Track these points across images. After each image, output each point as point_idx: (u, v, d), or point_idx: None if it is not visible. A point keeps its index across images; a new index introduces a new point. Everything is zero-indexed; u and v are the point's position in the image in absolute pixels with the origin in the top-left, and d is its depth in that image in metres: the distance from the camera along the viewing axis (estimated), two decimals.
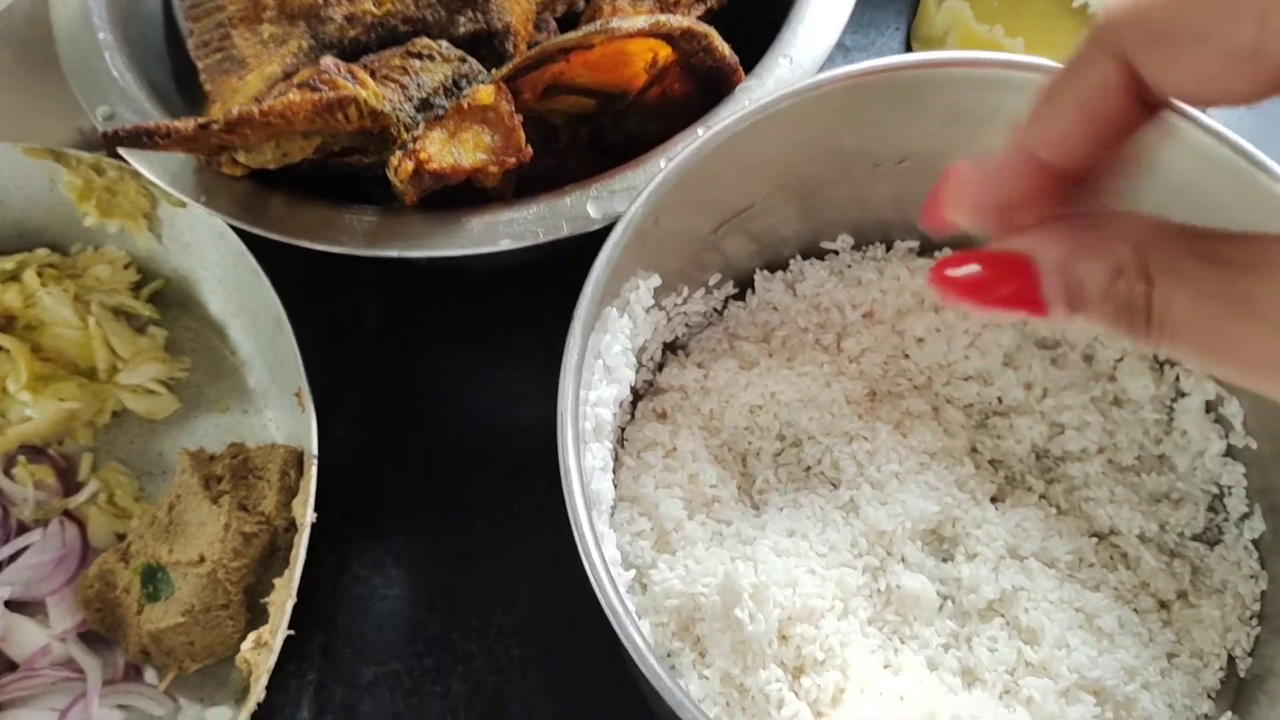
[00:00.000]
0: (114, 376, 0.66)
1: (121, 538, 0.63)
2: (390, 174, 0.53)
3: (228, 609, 0.57)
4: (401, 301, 0.72)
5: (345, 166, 0.57)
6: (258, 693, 0.51)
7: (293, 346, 0.58)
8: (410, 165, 0.52)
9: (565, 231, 0.54)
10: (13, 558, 0.62)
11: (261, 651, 0.52)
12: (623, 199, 0.55)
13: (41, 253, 0.68)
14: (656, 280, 0.55)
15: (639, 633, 0.43)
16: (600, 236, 0.51)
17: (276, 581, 0.55)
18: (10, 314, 0.65)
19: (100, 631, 0.60)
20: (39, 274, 0.66)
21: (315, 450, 0.56)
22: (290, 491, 0.59)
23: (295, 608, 0.54)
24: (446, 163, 0.52)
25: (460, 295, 0.72)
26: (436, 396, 0.70)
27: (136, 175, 0.64)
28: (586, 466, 0.49)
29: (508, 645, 0.61)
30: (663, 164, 0.53)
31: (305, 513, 0.54)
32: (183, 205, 0.63)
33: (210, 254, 0.65)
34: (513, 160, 0.54)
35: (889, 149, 0.59)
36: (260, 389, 0.67)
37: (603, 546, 0.45)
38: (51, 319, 0.65)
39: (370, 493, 0.66)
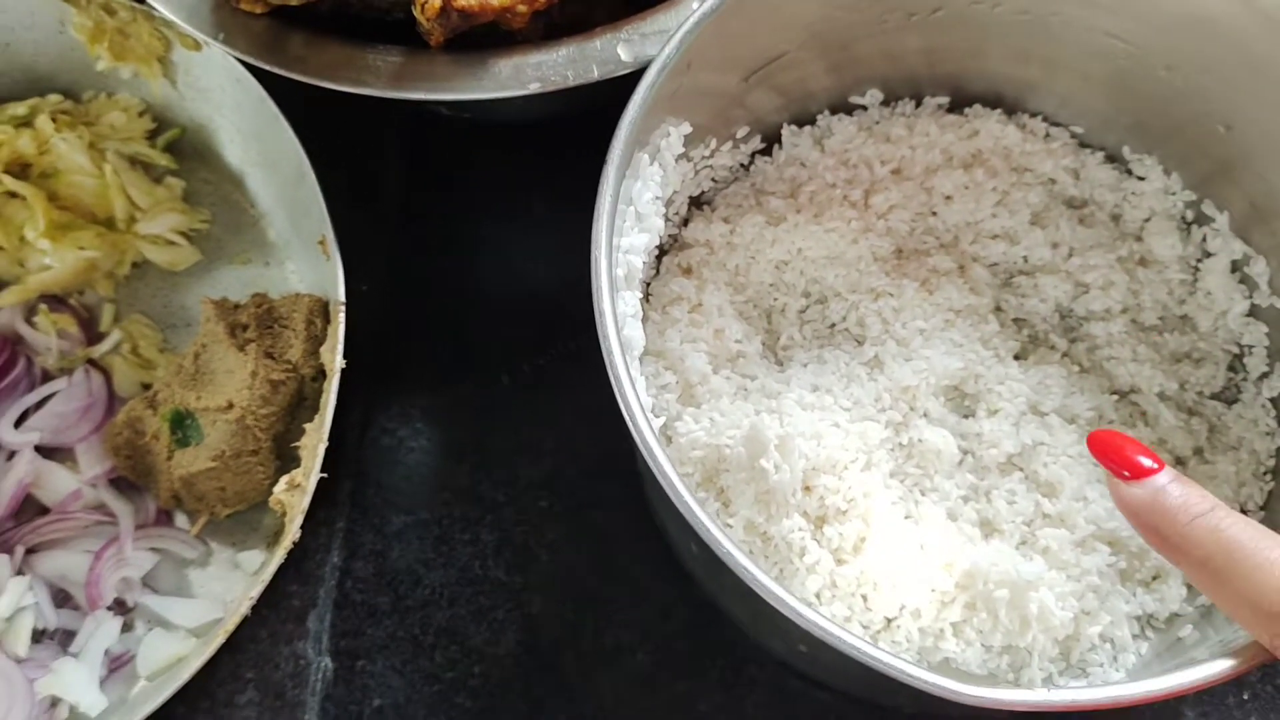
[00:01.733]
0: (133, 227, 0.66)
1: (147, 388, 0.63)
2: (416, 11, 0.52)
3: (257, 455, 0.58)
4: (424, 158, 0.71)
5: (367, 7, 0.56)
6: (292, 532, 0.52)
7: (316, 194, 0.58)
8: (438, 2, 0.50)
9: (596, 75, 0.53)
10: (39, 406, 0.62)
11: (295, 493, 0.53)
12: (655, 42, 0.54)
13: (53, 98, 0.66)
14: (687, 127, 0.54)
15: (673, 469, 0.43)
16: (626, 89, 0.50)
17: (307, 426, 0.55)
18: (24, 161, 0.64)
19: (130, 478, 0.61)
20: (53, 120, 0.64)
21: (342, 297, 0.56)
22: (316, 340, 0.59)
23: (325, 456, 0.54)
24: None
25: (483, 153, 0.71)
26: (460, 255, 0.69)
27: (150, 16, 0.62)
28: (620, 312, 0.49)
29: (535, 496, 0.63)
30: (695, 4, 0.51)
31: (335, 358, 0.54)
32: (197, 47, 0.62)
33: (228, 100, 0.64)
34: None
35: None
36: (281, 241, 0.67)
37: (637, 389, 0.46)
38: (67, 166, 0.64)
39: (395, 348, 0.66)
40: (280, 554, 0.52)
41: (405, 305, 0.68)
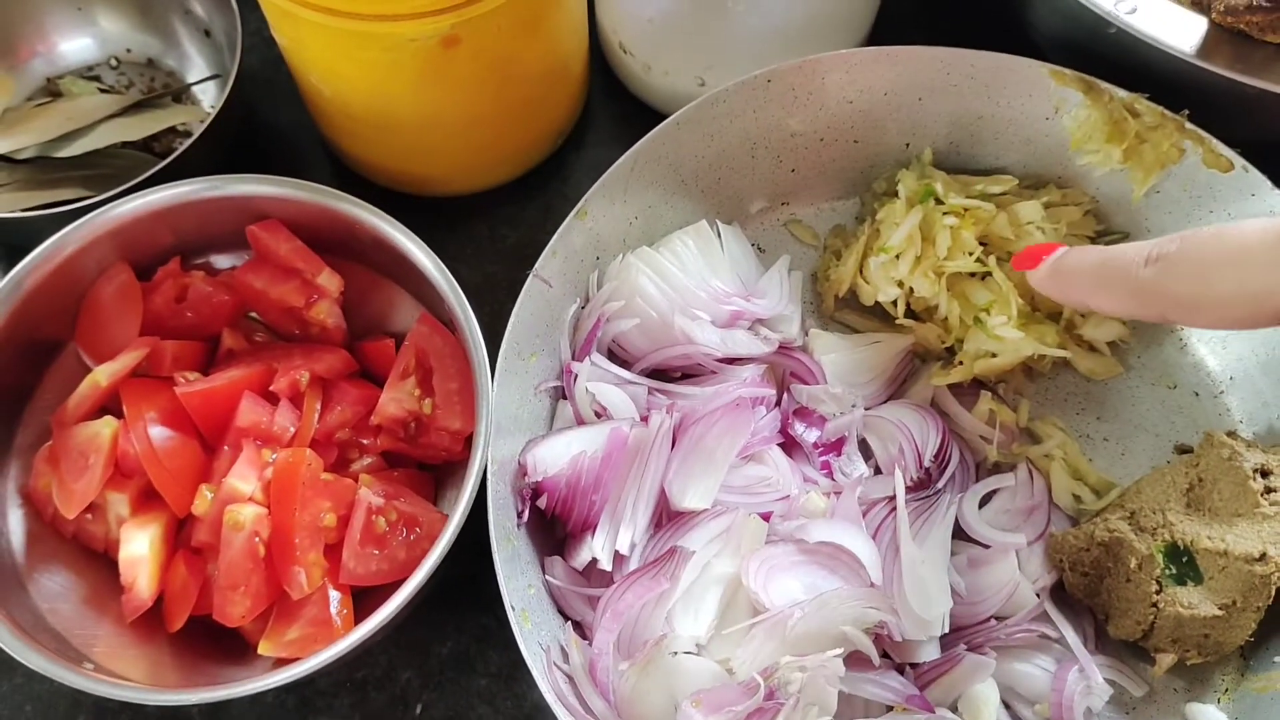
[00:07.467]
0: (1074, 330, 0.63)
1: (1078, 499, 0.61)
2: None
3: (1256, 613, 0.55)
4: None
5: None
6: None
7: None
8: None
9: None
10: (986, 499, 0.60)
11: None
12: None
13: (1006, 179, 0.64)
14: None
15: None
16: None
17: None
18: (986, 239, 0.62)
19: (1076, 595, 0.58)
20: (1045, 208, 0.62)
21: None
22: None
23: None
24: None
25: None
26: None
27: (1181, 127, 0.59)
28: None
29: None
30: None
31: None
32: (1228, 168, 0.59)
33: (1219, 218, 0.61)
34: None
35: None
36: (1225, 372, 0.63)
37: None
38: None
39: None
40: None
41: None
